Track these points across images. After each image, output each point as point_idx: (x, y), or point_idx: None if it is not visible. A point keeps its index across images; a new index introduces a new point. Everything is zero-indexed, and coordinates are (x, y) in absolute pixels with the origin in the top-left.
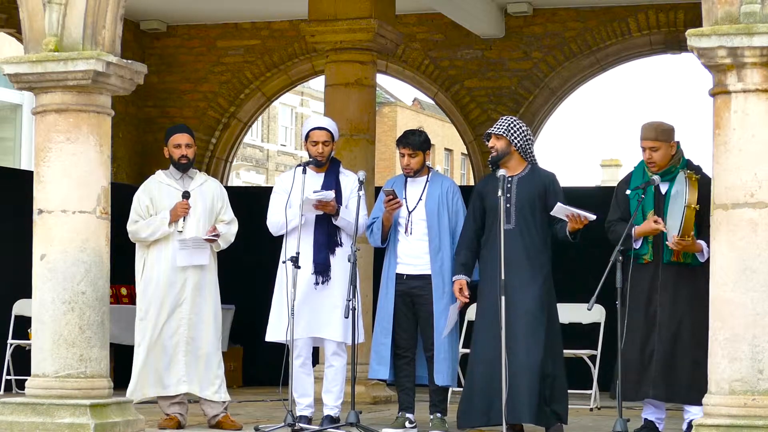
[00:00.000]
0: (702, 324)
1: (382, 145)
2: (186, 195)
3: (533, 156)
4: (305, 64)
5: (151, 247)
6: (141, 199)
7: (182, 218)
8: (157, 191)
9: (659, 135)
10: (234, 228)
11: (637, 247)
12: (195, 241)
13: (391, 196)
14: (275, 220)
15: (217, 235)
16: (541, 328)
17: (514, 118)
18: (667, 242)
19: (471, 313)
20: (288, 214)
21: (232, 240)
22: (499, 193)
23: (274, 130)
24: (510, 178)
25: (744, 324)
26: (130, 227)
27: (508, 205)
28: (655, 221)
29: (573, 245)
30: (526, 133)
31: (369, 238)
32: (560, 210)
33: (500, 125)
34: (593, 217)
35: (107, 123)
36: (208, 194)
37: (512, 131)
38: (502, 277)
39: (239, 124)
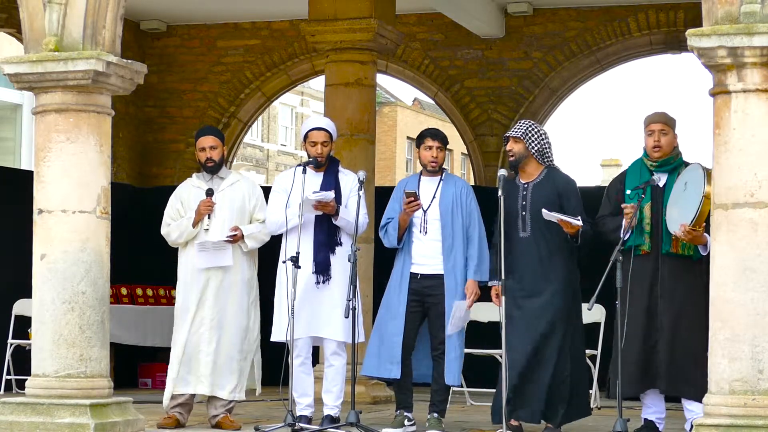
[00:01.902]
0: (700, 320)
1: (382, 145)
2: (209, 192)
3: (551, 159)
4: (305, 64)
5: (183, 250)
6: (172, 202)
7: (207, 216)
8: (187, 194)
9: (668, 120)
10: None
11: (626, 238)
12: (214, 243)
13: (412, 198)
14: (274, 219)
15: (236, 236)
16: (557, 334)
17: (532, 121)
18: (674, 232)
19: (476, 315)
20: (287, 213)
21: (266, 239)
22: (499, 193)
23: (274, 130)
24: (525, 185)
25: (744, 324)
26: (163, 230)
27: (523, 213)
28: (626, 211)
29: (575, 246)
30: (543, 137)
31: (384, 239)
32: (548, 216)
33: (518, 128)
34: (579, 222)
35: (107, 123)
36: (237, 194)
37: (529, 135)
38: (502, 278)
39: (239, 124)
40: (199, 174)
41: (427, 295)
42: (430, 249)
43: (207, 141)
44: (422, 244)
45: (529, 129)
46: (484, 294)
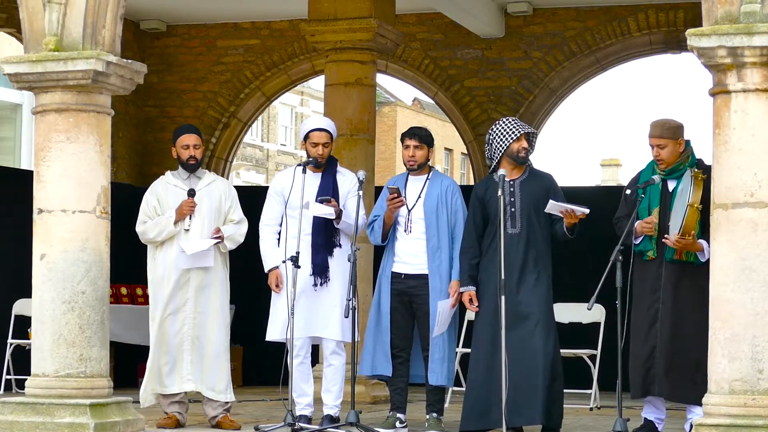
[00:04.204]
0: (703, 324)
1: (382, 145)
2: (191, 193)
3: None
4: (305, 64)
5: (158, 248)
6: (149, 200)
7: (188, 216)
8: (164, 192)
9: (665, 132)
10: (243, 228)
11: (637, 243)
12: (197, 248)
13: (395, 194)
14: (266, 234)
15: (221, 237)
16: (548, 331)
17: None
18: (664, 239)
19: (470, 313)
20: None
21: (241, 240)
22: (499, 192)
23: (274, 130)
24: (512, 182)
25: (744, 324)
26: (139, 228)
27: (512, 209)
28: (647, 222)
29: (572, 242)
30: None
31: (369, 235)
32: (553, 207)
33: (528, 126)
34: (587, 210)
35: (107, 123)
36: (215, 194)
37: (534, 134)
38: (502, 277)
39: (239, 123)
40: (175, 172)
41: (413, 296)
42: (414, 248)
43: (191, 139)
44: (406, 243)
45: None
46: None
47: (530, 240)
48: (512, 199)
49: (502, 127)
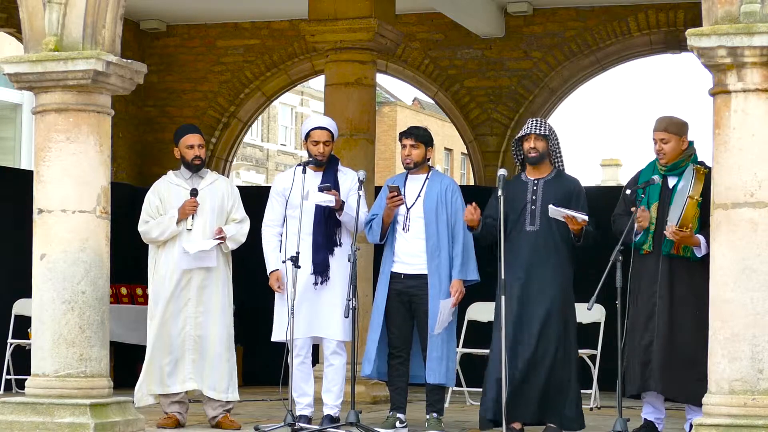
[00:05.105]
0: (698, 322)
1: (382, 145)
2: (194, 192)
3: (561, 161)
4: (305, 64)
5: (160, 247)
6: (151, 199)
7: (191, 216)
8: (167, 192)
9: (670, 126)
10: (245, 227)
11: (636, 239)
12: (201, 252)
13: (394, 193)
14: (267, 235)
15: (223, 237)
16: (554, 329)
17: (546, 120)
18: (665, 232)
19: (470, 313)
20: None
21: (243, 239)
22: (499, 192)
23: (274, 130)
24: (536, 181)
25: (744, 324)
26: (141, 227)
27: (533, 207)
28: (641, 212)
29: (578, 245)
30: (558, 139)
31: (367, 234)
32: (554, 212)
33: (541, 126)
34: (586, 218)
35: (107, 123)
36: (217, 193)
37: (552, 134)
38: (502, 277)
39: (239, 123)
40: (177, 171)
41: (412, 295)
42: (413, 247)
43: (195, 139)
44: (405, 242)
45: (551, 129)
46: (485, 294)
47: (547, 238)
48: (534, 197)
49: (523, 128)
